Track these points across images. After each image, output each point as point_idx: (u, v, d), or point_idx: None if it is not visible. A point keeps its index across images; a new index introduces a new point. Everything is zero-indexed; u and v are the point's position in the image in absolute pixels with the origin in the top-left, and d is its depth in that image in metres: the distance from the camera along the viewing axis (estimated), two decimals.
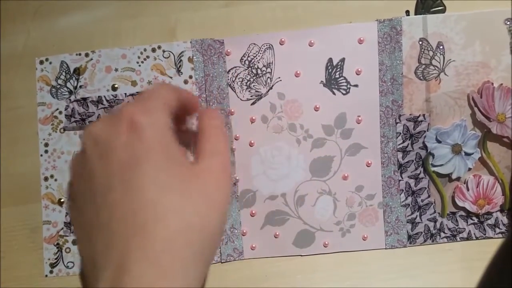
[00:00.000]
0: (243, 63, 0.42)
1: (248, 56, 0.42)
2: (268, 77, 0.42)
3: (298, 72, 0.42)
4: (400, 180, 0.42)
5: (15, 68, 0.45)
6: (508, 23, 0.40)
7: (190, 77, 0.42)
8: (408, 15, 0.42)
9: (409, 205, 0.43)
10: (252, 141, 0.42)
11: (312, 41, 0.42)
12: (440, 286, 0.42)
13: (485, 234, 0.43)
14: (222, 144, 0.30)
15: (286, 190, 0.43)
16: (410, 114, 0.41)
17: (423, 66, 0.41)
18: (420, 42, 0.41)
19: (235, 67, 0.42)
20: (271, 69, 0.42)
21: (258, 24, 0.43)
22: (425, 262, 0.43)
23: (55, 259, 0.43)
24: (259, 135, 0.42)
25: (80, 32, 0.45)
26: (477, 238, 0.43)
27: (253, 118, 0.42)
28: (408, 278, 0.43)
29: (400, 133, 0.42)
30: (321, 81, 0.42)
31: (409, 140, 0.42)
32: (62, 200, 0.42)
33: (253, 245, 0.43)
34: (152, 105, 0.27)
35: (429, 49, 0.41)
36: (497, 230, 0.43)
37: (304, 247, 0.43)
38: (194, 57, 0.42)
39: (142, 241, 0.23)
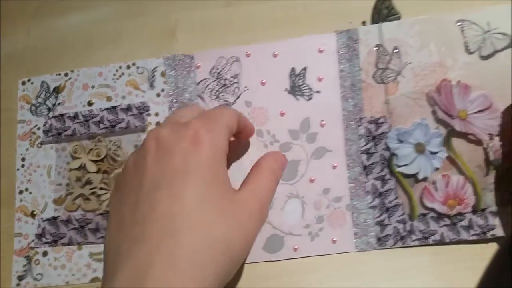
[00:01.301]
0: (212, 75, 0.41)
1: (217, 68, 0.41)
2: (236, 87, 0.41)
3: (264, 81, 0.40)
4: (366, 182, 0.39)
5: (15, 68, 0.44)
6: (459, 23, 0.38)
7: (162, 90, 0.41)
8: (365, 25, 0.40)
9: (376, 206, 0.39)
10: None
11: (276, 53, 0.40)
12: (440, 286, 0.38)
13: (459, 236, 0.38)
14: (269, 186, 0.31)
15: None
16: (371, 117, 0.39)
17: (381, 70, 0.39)
18: (376, 48, 0.39)
19: (205, 79, 0.41)
20: (238, 80, 0.41)
21: (258, 24, 0.41)
22: (426, 262, 0.39)
23: (24, 271, 0.40)
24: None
25: (80, 32, 0.43)
26: (450, 241, 0.38)
27: None
28: (408, 278, 0.38)
29: (363, 135, 0.39)
30: (286, 88, 0.40)
31: (372, 142, 0.39)
32: (35, 212, 0.40)
33: None
34: (217, 127, 0.29)
35: (385, 54, 0.38)
36: (472, 231, 0.38)
37: (274, 252, 0.39)
38: (167, 71, 0.41)
39: (173, 244, 0.23)
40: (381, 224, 0.39)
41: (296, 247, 0.40)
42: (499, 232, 0.39)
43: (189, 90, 0.41)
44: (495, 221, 0.38)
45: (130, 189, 0.27)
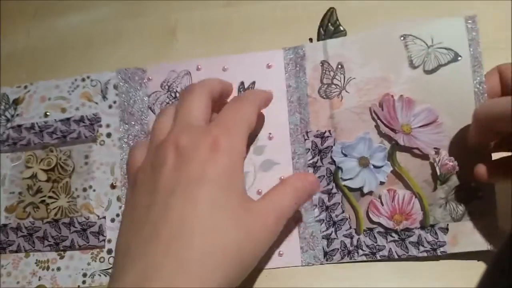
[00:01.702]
0: (163, 87, 0.41)
1: (168, 82, 0.41)
2: None
3: None
4: (313, 196, 0.38)
5: (15, 68, 0.43)
6: (403, 38, 0.37)
7: (114, 102, 0.41)
8: (311, 42, 0.41)
9: (323, 220, 0.38)
10: None
11: (225, 67, 0.40)
12: (440, 286, 0.36)
13: (407, 253, 0.36)
14: (288, 203, 0.30)
15: None
16: (317, 131, 0.38)
17: (326, 85, 0.38)
18: (321, 64, 0.38)
19: (156, 91, 0.41)
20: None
21: (258, 24, 0.41)
22: (427, 261, 0.37)
23: None
24: None
25: (80, 32, 0.43)
26: (399, 257, 0.36)
27: None
28: (408, 278, 0.37)
29: (309, 149, 0.38)
30: None
31: (318, 155, 0.38)
32: None
33: None
34: (235, 130, 0.29)
35: (330, 69, 0.38)
36: (421, 248, 0.36)
37: None
38: (119, 84, 0.41)
39: (183, 246, 0.24)
40: (328, 238, 0.39)
41: None
42: (449, 249, 0.37)
43: (140, 102, 0.41)
44: (446, 238, 0.37)
45: (145, 191, 0.27)
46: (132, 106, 0.41)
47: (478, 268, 0.35)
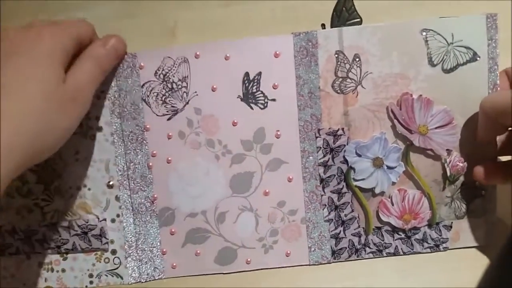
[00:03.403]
0: (157, 77, 0.36)
1: (163, 70, 0.36)
2: (184, 92, 0.36)
3: (214, 86, 0.36)
4: (322, 195, 0.37)
5: None
6: (424, 33, 0.35)
7: (102, 91, 0.36)
8: (324, 28, 0.37)
9: (332, 220, 0.37)
10: (169, 158, 0.37)
11: (228, 55, 0.36)
12: (441, 286, 0.37)
13: (413, 249, 0.37)
14: (94, 74, 0.33)
15: (206, 207, 0.38)
16: (329, 128, 0.36)
17: (340, 79, 0.36)
18: (336, 55, 0.35)
19: (150, 81, 0.36)
20: (187, 83, 0.36)
21: (258, 24, 0.39)
22: (427, 261, 0.38)
23: None
24: (177, 151, 0.37)
25: None
26: (404, 253, 0.37)
27: (170, 134, 0.37)
28: (409, 278, 0.37)
29: (321, 147, 0.36)
30: (239, 95, 0.36)
31: (330, 154, 0.37)
32: None
33: (174, 264, 0.38)
34: (62, 31, 0.31)
35: (345, 61, 0.35)
36: (425, 245, 0.37)
37: (226, 264, 0.38)
38: None
39: None
40: (336, 237, 0.38)
41: (249, 259, 0.38)
42: (451, 244, 0.38)
43: (132, 93, 0.37)
44: (449, 234, 0.38)
45: None
46: (123, 98, 0.37)
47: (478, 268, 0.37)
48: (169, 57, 0.36)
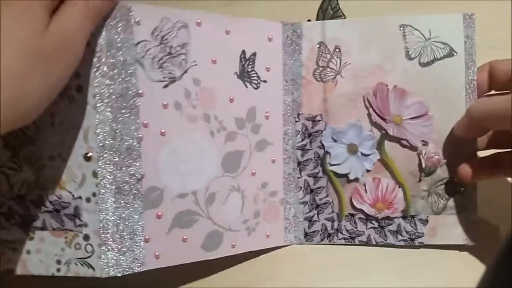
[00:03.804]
0: (154, 37, 0.33)
1: (161, 31, 0.33)
2: (183, 59, 0.34)
3: (214, 59, 0.35)
4: (299, 178, 0.38)
5: None
6: (402, 28, 0.37)
7: (88, 44, 0.30)
8: (310, 21, 0.42)
9: (307, 202, 0.38)
10: (163, 130, 0.33)
11: (228, 29, 0.36)
12: (441, 286, 0.36)
13: (386, 240, 0.37)
14: (80, 25, 0.28)
15: (197, 187, 0.35)
16: (308, 114, 0.38)
17: (321, 68, 0.38)
18: (318, 46, 0.38)
19: (145, 40, 0.32)
20: (187, 51, 0.34)
21: None
22: (427, 261, 0.38)
23: None
24: (172, 123, 0.34)
25: None
26: (377, 243, 0.37)
27: (165, 103, 0.33)
28: (409, 278, 0.37)
29: (299, 131, 0.38)
30: (235, 72, 0.37)
31: (308, 138, 0.38)
32: None
33: (157, 253, 0.33)
34: None
35: (326, 52, 0.38)
36: (399, 237, 0.37)
37: (212, 249, 0.36)
38: None
39: None
40: (310, 220, 0.39)
41: (233, 243, 0.37)
42: (427, 240, 0.38)
43: (124, 49, 0.32)
44: (424, 229, 0.37)
45: None
46: (112, 54, 0.31)
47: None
48: (167, 18, 0.34)
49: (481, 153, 0.37)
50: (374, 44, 0.38)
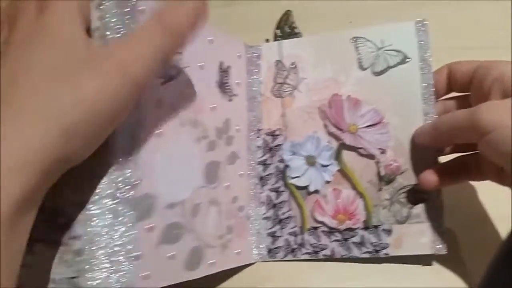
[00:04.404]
0: None
1: None
2: (180, 58, 0.33)
3: (202, 64, 0.35)
4: (261, 193, 0.39)
5: None
6: (354, 41, 0.38)
7: (98, 28, 0.26)
8: (268, 42, 0.44)
9: (270, 218, 0.38)
10: (161, 130, 0.31)
11: (211, 39, 0.36)
12: (441, 286, 0.36)
13: (350, 253, 0.36)
14: (151, 43, 0.24)
15: (185, 197, 0.32)
16: (268, 129, 0.39)
17: (279, 85, 0.39)
18: (276, 63, 0.39)
19: None
20: (181, 52, 0.33)
21: (256, 24, 0.41)
22: (429, 260, 0.37)
23: None
24: (168, 124, 0.31)
25: None
26: (341, 257, 0.36)
27: (162, 101, 0.31)
28: (409, 278, 0.37)
29: (261, 146, 0.39)
30: (216, 81, 0.37)
31: (269, 153, 0.39)
32: None
33: (146, 274, 0.29)
34: None
35: (283, 69, 0.39)
36: (363, 249, 0.36)
37: (194, 268, 0.33)
38: (104, 2, 0.26)
39: (14, 111, 0.21)
40: (273, 236, 0.39)
41: (212, 261, 0.34)
42: (392, 251, 0.36)
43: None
44: (388, 240, 0.36)
45: None
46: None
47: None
48: None
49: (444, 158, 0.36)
50: (327, 58, 0.39)
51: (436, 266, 0.36)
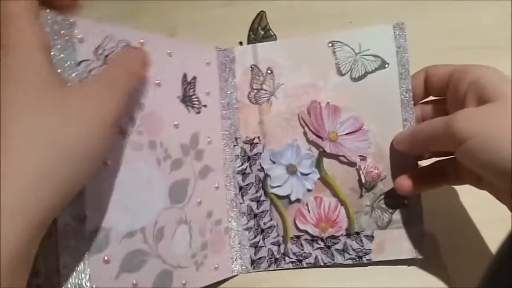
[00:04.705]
0: (97, 56, 0.30)
1: (104, 50, 0.30)
2: None
3: (158, 82, 0.33)
4: (241, 203, 0.38)
5: None
6: (331, 45, 0.37)
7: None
8: (241, 45, 0.41)
9: (251, 228, 0.38)
10: (107, 161, 0.29)
11: (170, 52, 0.35)
12: (441, 286, 0.36)
13: (333, 260, 0.36)
14: (121, 81, 0.26)
15: (145, 223, 0.31)
16: (246, 137, 0.38)
17: (255, 91, 0.38)
18: (251, 69, 0.38)
19: (88, 59, 0.29)
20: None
21: None
22: (427, 261, 0.37)
23: None
24: (116, 152, 0.30)
25: None
26: (325, 264, 0.37)
27: None
28: (409, 278, 0.37)
29: (238, 155, 0.38)
30: (178, 96, 0.35)
31: (248, 162, 0.38)
32: None
33: None
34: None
35: (259, 74, 0.38)
36: (346, 255, 0.36)
37: None
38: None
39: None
40: (256, 246, 0.38)
41: (184, 281, 0.34)
42: (374, 256, 0.37)
43: (67, 71, 0.28)
44: (371, 245, 0.37)
45: None
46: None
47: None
48: (109, 37, 0.31)
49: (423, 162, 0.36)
50: (304, 63, 0.38)
51: (437, 267, 0.37)
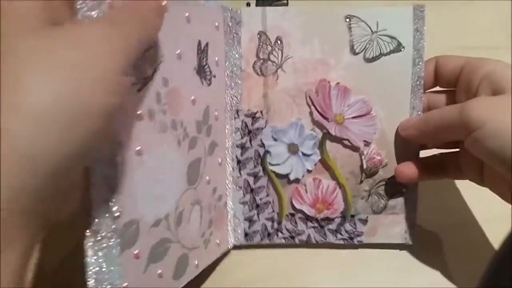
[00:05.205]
0: None
1: None
2: (154, 53, 0.27)
3: (178, 52, 0.29)
4: (238, 177, 0.37)
5: None
6: (348, 20, 0.35)
7: None
8: (249, 6, 0.39)
9: (247, 202, 0.37)
10: (139, 148, 0.26)
11: (188, 16, 0.30)
12: (441, 285, 0.36)
13: (325, 239, 0.37)
14: (136, 25, 0.22)
15: (169, 209, 0.29)
16: (248, 110, 0.36)
17: (261, 60, 0.36)
18: (259, 36, 0.35)
19: None
20: (155, 42, 0.27)
21: None
22: (427, 261, 0.37)
23: None
24: (147, 138, 0.27)
25: None
26: (317, 242, 0.37)
27: (140, 113, 0.26)
28: (409, 278, 0.37)
29: (239, 128, 0.37)
30: (194, 67, 0.31)
31: (248, 136, 0.37)
32: None
33: None
34: None
35: (267, 43, 0.35)
36: (339, 236, 0.37)
37: (182, 275, 0.31)
38: None
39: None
40: (250, 220, 0.38)
41: (196, 262, 0.33)
42: (366, 239, 0.37)
43: None
44: (364, 228, 0.37)
45: None
46: None
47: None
48: None
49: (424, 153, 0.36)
50: (317, 36, 0.35)
51: (437, 266, 0.38)
